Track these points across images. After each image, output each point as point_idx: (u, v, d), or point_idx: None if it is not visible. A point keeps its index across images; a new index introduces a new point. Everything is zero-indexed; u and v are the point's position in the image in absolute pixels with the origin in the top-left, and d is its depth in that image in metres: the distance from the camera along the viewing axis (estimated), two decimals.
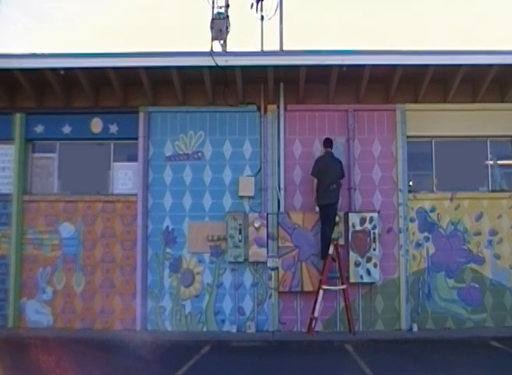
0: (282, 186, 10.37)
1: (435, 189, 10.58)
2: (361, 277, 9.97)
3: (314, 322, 9.68)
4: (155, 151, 10.60)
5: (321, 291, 9.65)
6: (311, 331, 9.69)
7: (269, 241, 10.22)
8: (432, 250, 10.31)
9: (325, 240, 9.84)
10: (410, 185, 10.53)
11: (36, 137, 10.80)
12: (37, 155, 10.95)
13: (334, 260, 9.77)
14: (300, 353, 8.74)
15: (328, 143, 10.16)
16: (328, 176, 9.83)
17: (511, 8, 27.12)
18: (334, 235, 10.00)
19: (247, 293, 10.25)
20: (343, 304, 9.91)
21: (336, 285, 9.86)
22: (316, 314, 9.65)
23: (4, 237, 10.56)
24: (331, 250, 9.76)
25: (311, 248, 10.09)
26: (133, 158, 10.66)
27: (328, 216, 9.90)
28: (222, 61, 9.65)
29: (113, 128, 10.69)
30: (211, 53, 9.90)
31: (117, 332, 10.06)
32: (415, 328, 9.89)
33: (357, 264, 9.97)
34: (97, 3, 28.24)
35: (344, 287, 9.78)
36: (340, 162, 10.12)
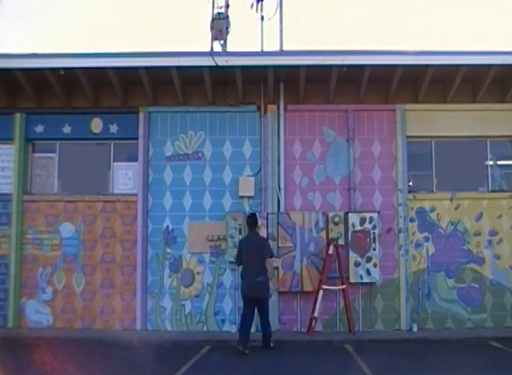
0: (282, 186, 10.37)
1: (434, 189, 10.58)
2: (361, 277, 9.98)
3: (314, 322, 9.69)
4: (155, 151, 10.60)
5: (321, 291, 9.65)
6: (310, 331, 9.70)
7: (269, 241, 10.21)
8: (431, 250, 10.31)
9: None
10: (410, 185, 10.54)
11: (36, 137, 10.81)
12: (37, 154, 10.96)
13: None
14: (300, 353, 8.73)
15: (252, 223, 8.93)
16: (251, 260, 8.57)
17: (511, 8, 27.15)
18: (334, 235, 10.03)
19: None
20: (342, 304, 9.91)
21: (335, 285, 9.87)
22: (316, 314, 9.66)
23: (4, 237, 10.56)
24: (331, 250, 9.77)
25: (311, 248, 10.10)
26: (133, 158, 10.66)
27: (261, 307, 8.78)
28: (222, 61, 9.66)
29: (113, 128, 10.70)
30: (211, 53, 9.91)
31: (117, 332, 10.07)
32: (415, 328, 9.90)
33: (357, 264, 9.98)
34: (97, 3, 28.25)
35: (344, 287, 9.78)
36: (265, 240, 9.32)
